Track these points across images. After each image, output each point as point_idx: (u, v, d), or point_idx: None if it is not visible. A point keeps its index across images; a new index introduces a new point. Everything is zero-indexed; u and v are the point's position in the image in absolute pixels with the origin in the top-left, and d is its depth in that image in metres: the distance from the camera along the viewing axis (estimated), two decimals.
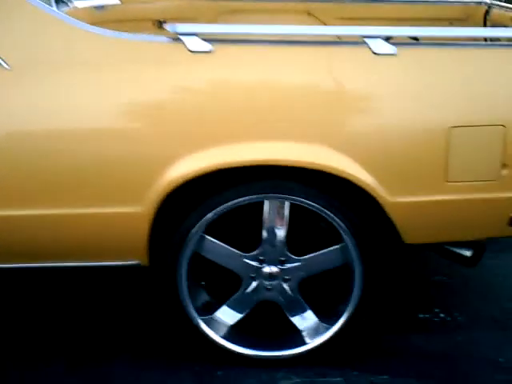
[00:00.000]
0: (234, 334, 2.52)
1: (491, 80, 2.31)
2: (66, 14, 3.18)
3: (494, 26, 3.37)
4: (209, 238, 2.40)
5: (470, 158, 2.29)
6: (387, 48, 2.23)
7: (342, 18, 3.58)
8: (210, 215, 2.34)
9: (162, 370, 2.51)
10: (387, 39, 2.65)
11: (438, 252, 2.61)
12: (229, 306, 2.50)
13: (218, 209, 2.33)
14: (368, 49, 2.23)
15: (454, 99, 2.28)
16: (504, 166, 2.30)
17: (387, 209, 2.32)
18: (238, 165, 2.24)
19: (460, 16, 3.57)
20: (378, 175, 2.27)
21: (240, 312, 2.50)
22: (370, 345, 2.66)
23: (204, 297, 2.55)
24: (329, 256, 2.46)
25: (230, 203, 2.33)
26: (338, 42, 2.29)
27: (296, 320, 2.52)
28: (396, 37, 2.38)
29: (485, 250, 2.56)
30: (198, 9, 3.57)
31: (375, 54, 2.23)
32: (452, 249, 2.58)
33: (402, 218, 2.36)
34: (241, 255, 2.44)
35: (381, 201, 2.31)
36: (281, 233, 2.40)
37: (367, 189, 2.29)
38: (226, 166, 2.24)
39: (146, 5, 3.54)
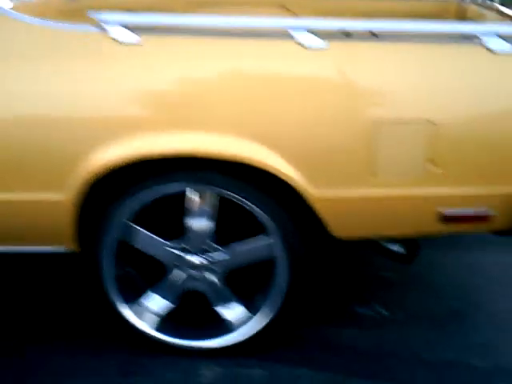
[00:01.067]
0: (161, 323, 2.55)
1: (420, 75, 2.27)
2: (41, 5, 3.31)
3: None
4: (134, 226, 2.44)
5: (396, 154, 2.26)
6: (317, 41, 2.21)
7: (318, 12, 3.57)
8: (133, 204, 2.38)
9: (89, 355, 2.55)
10: (347, 35, 2.66)
11: (374, 249, 2.60)
12: (155, 294, 2.54)
13: (141, 198, 2.37)
14: (297, 42, 2.21)
15: (381, 94, 2.26)
16: (430, 161, 2.27)
17: (312, 202, 2.31)
18: (156, 156, 2.26)
19: (435, 11, 3.52)
20: (301, 168, 2.26)
21: (167, 300, 2.53)
22: (299, 337, 2.66)
23: (132, 284, 2.57)
24: (255, 248, 2.47)
25: (152, 193, 2.36)
26: (267, 33, 2.28)
27: (223, 311, 2.54)
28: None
29: (419, 247, 2.55)
30: (170, 1, 3.61)
31: (303, 47, 2.21)
32: (384, 245, 2.57)
33: (327, 212, 2.34)
34: (164, 244, 2.47)
35: (305, 194, 2.30)
36: (205, 223, 2.43)
37: (290, 181, 2.28)
38: (144, 157, 2.26)
39: None
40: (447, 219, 2.36)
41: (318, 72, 2.26)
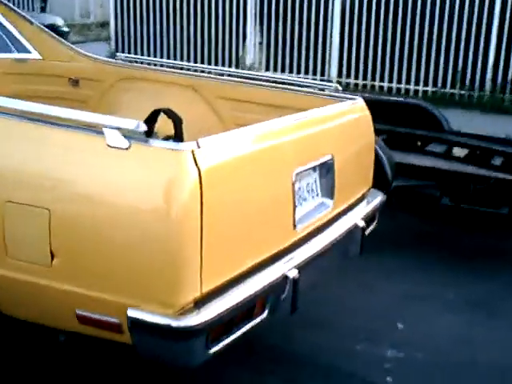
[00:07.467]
0: None
1: (47, 161, 2.19)
2: None
3: None
4: None
5: (22, 238, 2.20)
6: None
7: (223, 98, 3.51)
8: None
9: None
10: None
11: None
12: None
13: None
14: None
15: (10, 174, 2.23)
16: (54, 254, 2.16)
17: None
18: None
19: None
20: None
21: None
22: None
23: None
24: None
25: None
26: None
27: None
28: None
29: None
30: (105, 72, 3.80)
31: None
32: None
33: None
34: None
35: None
36: None
37: None
38: None
39: (62, 63, 3.87)
40: (81, 320, 2.21)
41: None
